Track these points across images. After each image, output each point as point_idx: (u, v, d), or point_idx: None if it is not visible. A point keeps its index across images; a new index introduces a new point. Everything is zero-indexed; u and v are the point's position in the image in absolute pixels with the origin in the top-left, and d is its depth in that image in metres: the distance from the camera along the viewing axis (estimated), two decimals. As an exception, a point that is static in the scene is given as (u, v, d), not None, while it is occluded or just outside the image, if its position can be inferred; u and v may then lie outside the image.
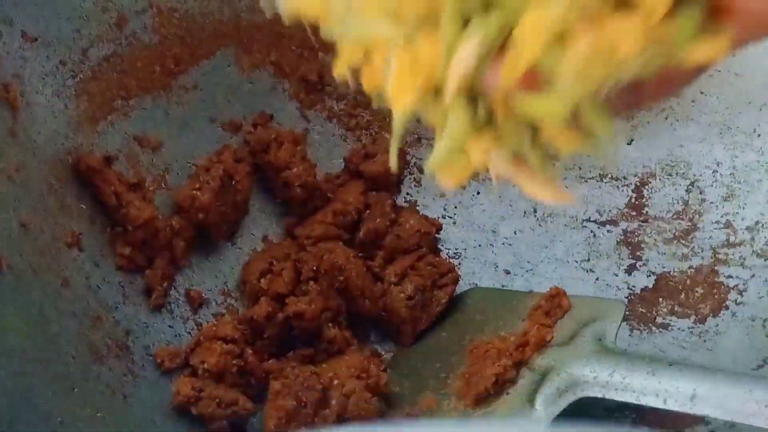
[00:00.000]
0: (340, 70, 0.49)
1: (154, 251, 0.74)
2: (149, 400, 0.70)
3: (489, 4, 0.41)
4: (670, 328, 0.73)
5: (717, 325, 0.72)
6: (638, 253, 0.77)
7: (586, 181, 0.80)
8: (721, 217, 0.75)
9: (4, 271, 0.66)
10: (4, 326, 0.64)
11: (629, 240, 0.78)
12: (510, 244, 0.80)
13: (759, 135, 0.75)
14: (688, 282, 0.74)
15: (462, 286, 0.78)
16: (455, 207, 0.81)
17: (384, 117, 0.83)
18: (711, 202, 0.76)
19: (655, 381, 0.62)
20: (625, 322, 0.73)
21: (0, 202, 0.67)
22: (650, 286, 0.76)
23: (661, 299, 0.75)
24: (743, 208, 0.74)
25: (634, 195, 0.79)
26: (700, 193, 0.76)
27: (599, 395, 0.64)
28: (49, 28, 0.73)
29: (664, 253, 0.76)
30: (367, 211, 0.78)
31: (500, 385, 0.68)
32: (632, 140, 0.79)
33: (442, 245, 0.80)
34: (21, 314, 0.66)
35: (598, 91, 0.41)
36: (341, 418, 0.67)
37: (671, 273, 0.75)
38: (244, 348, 0.71)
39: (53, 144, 0.73)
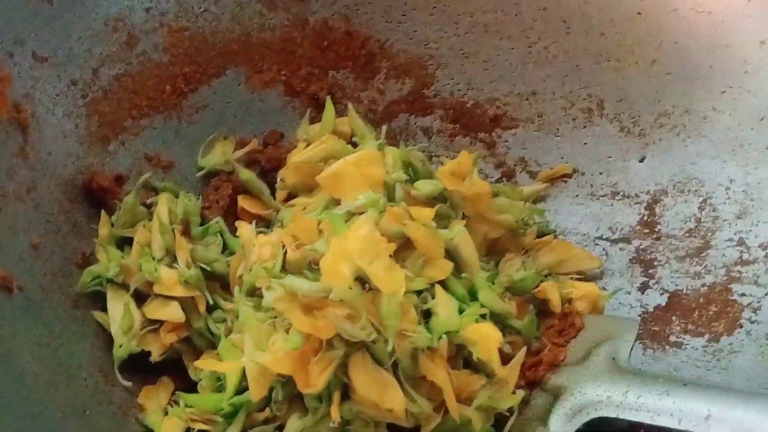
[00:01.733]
0: None
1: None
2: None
3: None
4: (683, 346, 0.73)
5: (731, 344, 0.71)
6: (651, 271, 0.77)
7: (598, 199, 0.80)
8: (735, 234, 0.74)
9: (15, 293, 0.66)
10: (14, 349, 0.64)
11: (642, 258, 0.77)
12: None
13: (772, 152, 0.75)
14: (702, 300, 0.74)
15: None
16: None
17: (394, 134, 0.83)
18: (724, 220, 0.75)
19: (669, 401, 0.62)
20: (638, 341, 0.73)
21: (11, 223, 0.68)
22: (663, 304, 0.75)
23: (674, 317, 0.74)
24: (756, 225, 0.74)
25: (647, 213, 0.78)
26: (713, 210, 0.76)
27: (613, 415, 0.64)
28: (59, 48, 0.73)
29: (677, 271, 0.76)
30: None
31: None
32: (644, 158, 0.79)
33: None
34: (32, 336, 0.66)
35: None
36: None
37: (684, 291, 0.75)
38: None
39: (64, 164, 0.73)
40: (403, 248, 0.68)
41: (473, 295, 0.70)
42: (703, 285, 0.74)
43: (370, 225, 0.65)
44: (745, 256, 0.74)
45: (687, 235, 0.76)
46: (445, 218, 0.72)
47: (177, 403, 0.68)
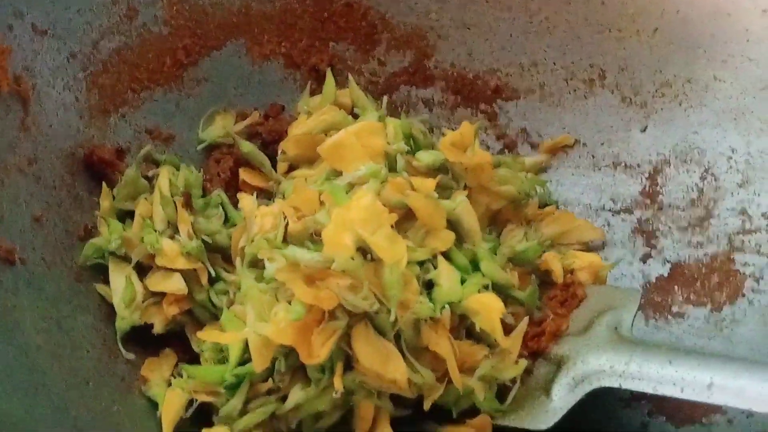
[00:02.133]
0: None
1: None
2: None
3: None
4: (685, 316, 0.73)
5: (733, 313, 0.71)
6: (653, 242, 0.77)
7: (600, 170, 0.80)
8: (737, 203, 0.74)
9: (17, 266, 0.66)
10: (18, 321, 0.64)
11: (644, 228, 0.77)
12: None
13: (774, 121, 0.75)
14: (704, 270, 0.74)
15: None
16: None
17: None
18: (726, 189, 0.75)
19: (672, 370, 0.62)
20: (640, 311, 0.73)
21: (13, 196, 0.67)
22: (665, 274, 0.75)
23: (676, 288, 0.74)
24: (758, 194, 0.74)
25: (648, 183, 0.78)
26: (715, 179, 0.76)
27: (615, 385, 0.64)
28: (59, 21, 0.73)
29: (679, 241, 0.76)
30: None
31: None
32: (646, 127, 0.79)
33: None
34: (35, 309, 0.66)
35: None
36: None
37: (686, 261, 0.75)
38: None
39: (65, 137, 0.73)
40: (405, 219, 0.68)
41: (475, 266, 0.70)
42: (705, 255, 0.74)
43: (371, 195, 0.65)
44: (747, 225, 0.74)
45: (689, 204, 0.76)
46: (447, 189, 0.72)
47: (180, 374, 0.68)
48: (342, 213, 0.63)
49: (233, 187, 0.77)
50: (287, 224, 0.68)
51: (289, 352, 0.64)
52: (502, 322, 0.66)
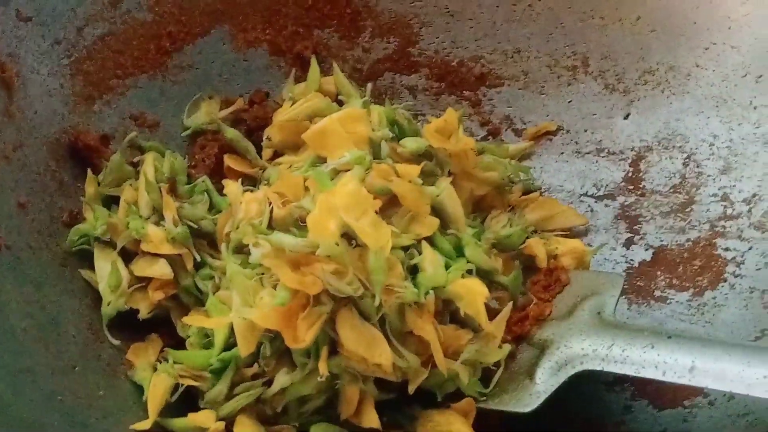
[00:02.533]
0: None
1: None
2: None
3: None
4: (668, 301, 0.74)
5: (715, 298, 0.72)
6: (636, 227, 0.77)
7: (583, 156, 0.80)
8: (719, 189, 0.75)
9: (3, 251, 0.66)
10: (3, 306, 0.64)
11: (627, 214, 0.78)
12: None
13: (755, 107, 0.75)
14: (686, 255, 0.74)
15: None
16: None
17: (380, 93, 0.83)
18: (708, 176, 0.76)
19: (654, 353, 0.62)
20: (623, 296, 0.74)
21: (-2, 183, 0.68)
22: (648, 259, 0.76)
23: (659, 272, 0.75)
24: (740, 180, 0.74)
25: (631, 169, 0.79)
26: (697, 166, 0.76)
27: (598, 368, 0.64)
28: (43, 7, 0.73)
29: (662, 227, 0.76)
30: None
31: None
32: (629, 114, 0.79)
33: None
34: (20, 294, 0.66)
35: None
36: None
37: (669, 246, 0.75)
38: None
39: (50, 123, 0.73)
40: (390, 205, 0.68)
41: (460, 252, 0.70)
42: (688, 240, 0.75)
43: (356, 181, 0.65)
44: (729, 211, 0.74)
45: (671, 191, 0.77)
46: (431, 176, 0.72)
47: (166, 359, 0.68)
48: (327, 199, 0.64)
49: (218, 173, 0.77)
50: (272, 210, 0.68)
51: (275, 337, 0.64)
52: (486, 306, 0.66)
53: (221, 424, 0.65)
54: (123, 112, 0.77)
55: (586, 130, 0.81)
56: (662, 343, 0.63)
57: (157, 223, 0.71)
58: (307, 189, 0.68)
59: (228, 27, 0.81)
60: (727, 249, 0.73)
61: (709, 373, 0.60)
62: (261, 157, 0.78)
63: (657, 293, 0.74)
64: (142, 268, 0.70)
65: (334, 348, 0.64)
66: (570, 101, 0.81)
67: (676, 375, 0.61)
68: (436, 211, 0.70)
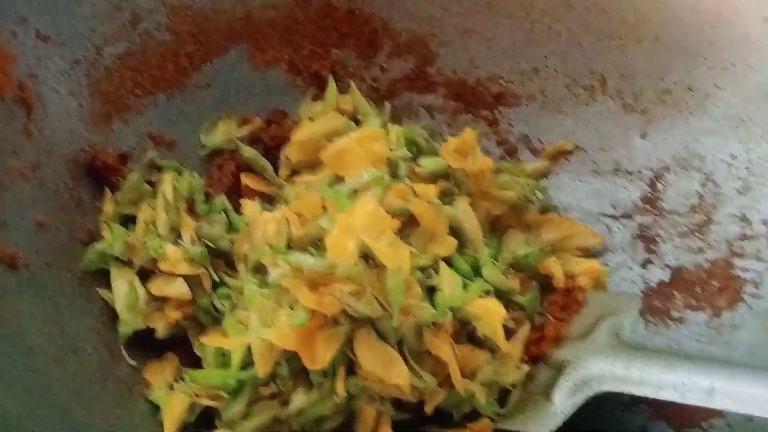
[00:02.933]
0: None
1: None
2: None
3: None
4: (685, 321, 0.73)
5: (733, 319, 0.72)
6: (653, 247, 0.77)
7: (601, 176, 0.80)
8: (737, 210, 0.75)
9: (21, 270, 0.66)
10: (22, 325, 0.64)
11: (644, 234, 0.78)
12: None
13: (774, 128, 0.75)
14: (704, 275, 0.74)
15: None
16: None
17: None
18: (726, 196, 0.75)
19: (673, 375, 0.62)
20: (640, 316, 0.73)
21: (17, 201, 0.68)
22: (666, 279, 0.76)
23: (676, 293, 0.75)
24: (758, 201, 0.74)
25: (649, 189, 0.78)
26: (715, 186, 0.76)
27: (616, 389, 0.64)
28: (63, 27, 0.73)
29: (679, 247, 0.76)
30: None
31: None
32: (646, 134, 0.79)
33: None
34: (39, 313, 0.66)
35: None
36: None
37: (687, 267, 0.75)
38: None
39: (68, 142, 0.73)
40: (408, 225, 0.68)
41: (477, 272, 0.70)
42: (705, 260, 0.75)
43: (374, 202, 0.66)
44: (747, 231, 0.74)
45: (689, 211, 0.77)
46: (449, 195, 0.72)
47: (182, 378, 0.68)
48: (345, 219, 0.64)
49: (235, 192, 0.77)
50: (290, 230, 0.68)
51: (292, 357, 0.64)
52: (504, 327, 0.66)
53: None
54: (141, 131, 0.77)
55: (603, 150, 0.80)
56: (681, 364, 0.63)
57: (175, 243, 0.71)
58: (325, 209, 0.68)
59: (246, 46, 0.81)
60: (745, 269, 0.73)
61: (729, 395, 0.60)
62: (278, 175, 0.78)
63: (674, 314, 0.74)
64: (159, 287, 0.70)
65: (352, 368, 0.64)
66: (587, 120, 0.81)
67: (695, 397, 0.61)
68: (454, 231, 0.70)
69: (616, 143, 0.80)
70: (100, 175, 0.74)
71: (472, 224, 0.71)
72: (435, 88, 0.84)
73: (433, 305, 0.65)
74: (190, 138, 0.79)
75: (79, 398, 0.65)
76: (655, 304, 0.75)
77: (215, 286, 0.71)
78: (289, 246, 0.68)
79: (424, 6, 0.83)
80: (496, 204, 0.75)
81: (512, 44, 0.82)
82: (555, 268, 0.73)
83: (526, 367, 0.68)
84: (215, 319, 0.71)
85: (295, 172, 0.77)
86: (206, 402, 0.67)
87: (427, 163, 0.72)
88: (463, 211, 0.70)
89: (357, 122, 0.79)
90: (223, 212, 0.75)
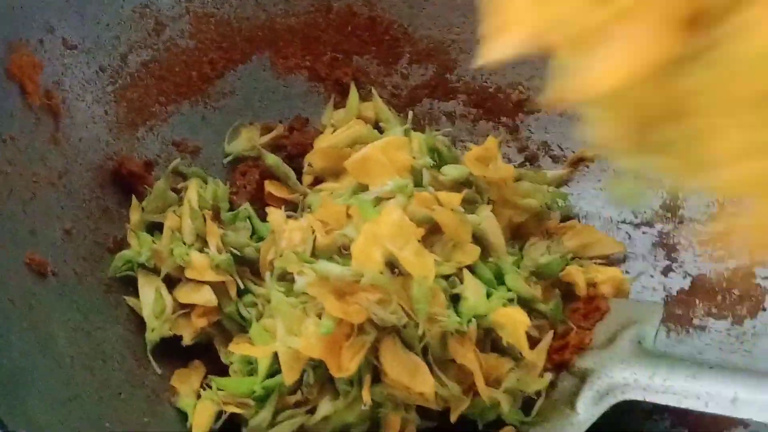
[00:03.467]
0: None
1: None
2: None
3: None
4: (707, 329, 0.74)
5: (755, 327, 0.72)
6: (674, 255, 0.77)
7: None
8: (757, 218, 0.75)
9: (49, 278, 0.67)
10: (51, 333, 0.64)
11: (665, 242, 0.78)
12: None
13: (795, 136, 0.75)
14: (725, 283, 0.74)
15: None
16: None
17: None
18: (747, 204, 0.75)
19: (696, 384, 0.62)
20: (662, 324, 0.74)
21: (44, 209, 0.68)
22: (687, 287, 0.76)
23: (697, 301, 0.75)
24: (779, 209, 0.74)
25: (669, 197, 0.79)
26: (736, 194, 0.76)
27: (640, 398, 0.65)
28: (88, 35, 0.74)
29: (700, 255, 0.76)
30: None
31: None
32: (667, 142, 0.79)
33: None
34: (68, 321, 0.66)
35: None
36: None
37: (707, 274, 0.75)
38: None
39: (94, 150, 0.73)
40: (431, 233, 0.69)
41: (500, 279, 0.70)
42: (726, 268, 0.75)
43: (399, 210, 0.66)
44: (768, 240, 0.74)
45: (710, 219, 0.77)
46: (471, 203, 0.72)
47: (209, 386, 0.69)
48: (371, 228, 0.64)
49: (259, 199, 0.78)
50: (315, 238, 0.68)
51: (318, 365, 0.65)
52: (527, 335, 0.67)
53: None
54: (165, 139, 0.78)
55: (623, 157, 0.81)
56: (704, 373, 0.63)
57: (201, 250, 0.72)
58: (349, 216, 0.69)
59: (268, 54, 0.82)
60: (766, 278, 0.73)
61: (753, 404, 0.60)
62: (301, 182, 0.78)
63: (696, 321, 0.74)
64: (186, 294, 0.71)
65: (377, 376, 0.65)
66: (607, 128, 0.81)
67: (719, 406, 0.61)
68: (477, 239, 0.70)
69: (637, 151, 0.80)
70: (125, 183, 0.74)
71: (495, 232, 0.71)
72: (455, 94, 0.84)
73: (457, 313, 0.66)
74: (213, 145, 0.80)
75: (109, 407, 0.65)
76: (676, 311, 0.75)
77: (240, 293, 0.72)
78: (314, 254, 0.68)
79: (444, 13, 0.83)
80: (518, 212, 0.75)
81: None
82: (577, 276, 0.73)
83: (549, 376, 0.68)
84: (241, 326, 0.71)
85: (318, 179, 0.78)
86: (233, 409, 0.67)
87: (451, 171, 0.72)
88: (486, 219, 0.71)
89: (379, 129, 0.79)
90: (247, 219, 0.75)
